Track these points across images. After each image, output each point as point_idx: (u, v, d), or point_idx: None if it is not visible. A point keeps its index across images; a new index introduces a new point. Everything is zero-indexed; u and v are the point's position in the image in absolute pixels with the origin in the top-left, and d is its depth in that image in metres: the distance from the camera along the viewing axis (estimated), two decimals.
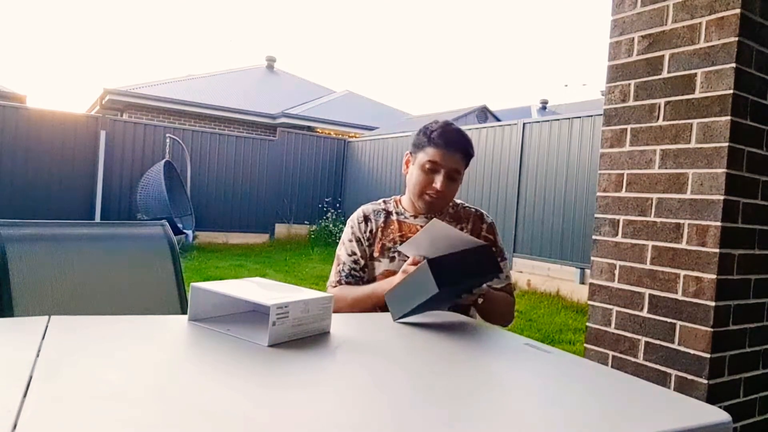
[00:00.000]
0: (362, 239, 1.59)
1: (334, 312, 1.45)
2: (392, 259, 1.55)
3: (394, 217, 1.61)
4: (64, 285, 1.40)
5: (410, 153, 1.61)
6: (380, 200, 1.68)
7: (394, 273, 1.50)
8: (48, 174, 7.65)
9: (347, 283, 1.57)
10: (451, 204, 1.64)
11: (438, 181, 1.50)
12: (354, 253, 1.59)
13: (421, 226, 1.56)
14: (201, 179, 8.76)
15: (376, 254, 1.57)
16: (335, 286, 1.59)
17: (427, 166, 1.52)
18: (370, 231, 1.59)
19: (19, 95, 9.92)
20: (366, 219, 1.61)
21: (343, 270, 1.59)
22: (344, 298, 1.50)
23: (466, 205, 1.67)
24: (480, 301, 1.38)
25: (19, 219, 1.46)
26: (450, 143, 1.52)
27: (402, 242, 1.55)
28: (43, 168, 7.62)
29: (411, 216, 1.60)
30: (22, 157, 7.47)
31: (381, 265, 1.56)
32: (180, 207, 7.91)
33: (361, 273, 1.58)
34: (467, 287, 1.28)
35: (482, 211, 1.68)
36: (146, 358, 0.84)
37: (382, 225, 1.60)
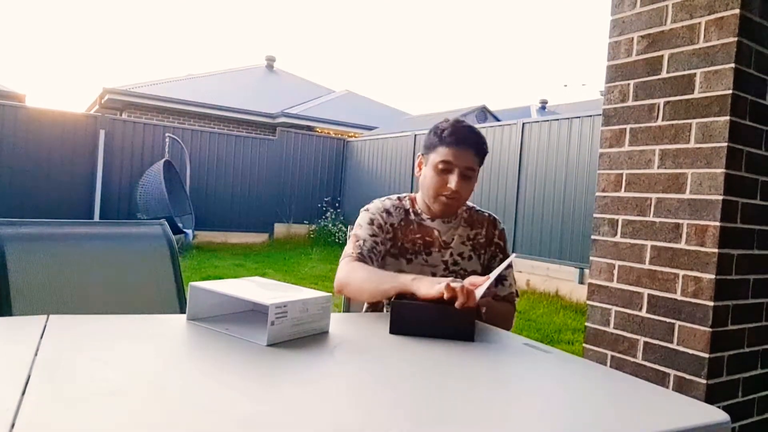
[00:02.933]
0: (383, 228, 1.50)
1: (348, 281, 1.39)
2: (409, 261, 1.49)
3: (412, 217, 1.55)
4: (63, 284, 1.40)
5: (422, 155, 1.55)
6: (394, 196, 1.60)
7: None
8: (47, 173, 7.64)
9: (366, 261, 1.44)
10: (465, 208, 1.59)
11: (452, 181, 1.45)
12: (376, 235, 1.49)
13: (438, 230, 1.52)
14: (200, 179, 8.76)
15: (393, 251, 1.50)
16: (356, 259, 1.42)
17: (440, 166, 1.46)
18: (392, 225, 1.52)
19: (18, 94, 9.90)
20: (387, 212, 1.53)
21: (364, 245, 1.45)
22: (364, 267, 1.38)
23: (479, 209, 1.63)
24: (483, 309, 1.36)
25: (17, 218, 1.45)
26: (461, 141, 1.46)
27: (422, 246, 1.50)
28: (42, 167, 7.61)
29: (428, 218, 1.54)
30: (22, 156, 7.46)
31: (395, 265, 1.48)
32: (179, 206, 7.90)
33: (379, 258, 1.48)
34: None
35: (495, 216, 1.64)
36: (144, 358, 0.84)
37: (402, 223, 1.53)
